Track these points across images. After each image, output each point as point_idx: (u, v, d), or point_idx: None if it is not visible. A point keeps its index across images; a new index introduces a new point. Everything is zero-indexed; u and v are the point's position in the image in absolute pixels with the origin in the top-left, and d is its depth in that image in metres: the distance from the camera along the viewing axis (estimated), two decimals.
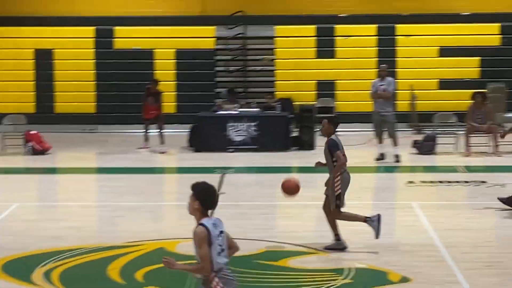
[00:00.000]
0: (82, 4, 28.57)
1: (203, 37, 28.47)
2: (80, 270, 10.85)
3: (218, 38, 28.57)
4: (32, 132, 22.61)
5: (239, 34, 28.41)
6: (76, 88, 28.02)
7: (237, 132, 22.57)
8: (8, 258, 11.36)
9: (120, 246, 12.00)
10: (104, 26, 28.39)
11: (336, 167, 11.68)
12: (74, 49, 28.26)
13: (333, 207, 11.73)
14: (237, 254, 11.51)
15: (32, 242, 12.32)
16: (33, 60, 28.25)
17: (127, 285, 10.13)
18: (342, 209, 11.75)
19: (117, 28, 28.45)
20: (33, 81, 28.21)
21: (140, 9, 28.46)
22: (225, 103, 24.31)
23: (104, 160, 22.51)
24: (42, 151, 22.23)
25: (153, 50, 28.32)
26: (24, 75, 28.13)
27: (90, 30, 28.45)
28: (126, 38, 28.41)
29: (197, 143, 22.64)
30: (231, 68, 28.41)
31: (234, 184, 17.53)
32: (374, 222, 11.75)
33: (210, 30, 28.53)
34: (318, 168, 12.18)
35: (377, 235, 11.72)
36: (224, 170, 19.30)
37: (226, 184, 17.62)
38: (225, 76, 28.40)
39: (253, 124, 22.66)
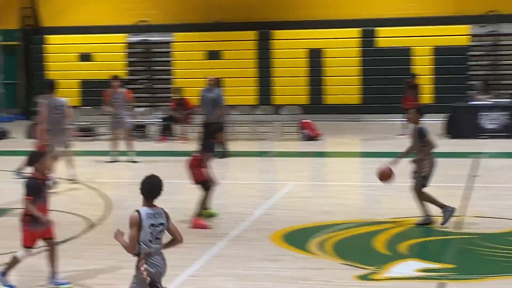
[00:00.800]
0: (349, 8, 28.69)
1: (457, 35, 27.77)
2: (349, 241, 10.83)
3: (472, 35, 27.76)
4: (305, 120, 23.01)
5: (492, 31, 27.46)
6: (343, 82, 28.22)
7: (490, 120, 21.94)
8: (287, 230, 11.53)
9: (384, 222, 11.89)
10: (367, 27, 28.37)
11: (425, 150, 11.40)
12: (341, 48, 28.46)
13: (419, 186, 11.42)
14: (490, 231, 11.17)
15: (307, 216, 12.46)
16: (306, 59, 28.73)
17: (393, 256, 9.98)
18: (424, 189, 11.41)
19: (379, 28, 28.32)
20: (306, 76, 28.71)
21: (400, 11, 28.18)
22: (478, 94, 23.77)
23: (367, 145, 22.48)
24: (313, 137, 22.57)
25: (411, 47, 27.95)
26: (298, 72, 28.66)
27: (355, 31, 28.51)
28: (387, 37, 28.23)
29: (452, 131, 22.23)
30: (484, 63, 27.54)
31: (488, 168, 16.94)
32: (448, 212, 11.28)
33: (464, 28, 27.75)
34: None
35: (444, 223, 11.23)
36: (476, 155, 18.74)
37: (481, 168, 17.13)
38: (477, 70, 27.58)
39: (505, 113, 21.95)
